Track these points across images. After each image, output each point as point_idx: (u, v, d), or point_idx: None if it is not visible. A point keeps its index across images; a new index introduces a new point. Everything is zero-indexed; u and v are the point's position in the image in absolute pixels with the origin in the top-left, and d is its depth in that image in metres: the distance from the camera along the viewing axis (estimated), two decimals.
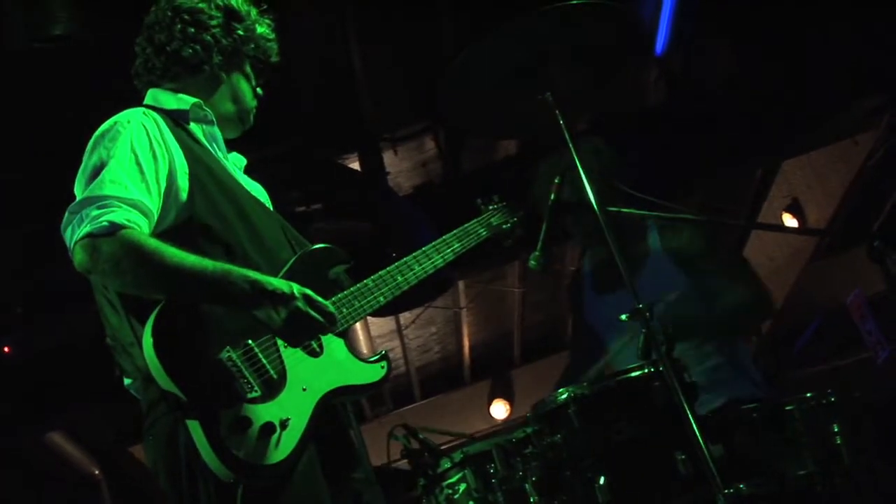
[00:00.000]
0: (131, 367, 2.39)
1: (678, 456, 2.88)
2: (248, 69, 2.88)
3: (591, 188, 3.06)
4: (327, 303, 2.46)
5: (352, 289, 2.68)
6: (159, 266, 2.29)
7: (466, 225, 3.18)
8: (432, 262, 2.92)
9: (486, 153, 7.18)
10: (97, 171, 2.40)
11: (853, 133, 7.20)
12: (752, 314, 4.00)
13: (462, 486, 3.97)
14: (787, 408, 3.15)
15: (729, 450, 2.97)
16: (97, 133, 2.52)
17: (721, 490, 2.65)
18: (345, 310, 2.61)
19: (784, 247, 8.88)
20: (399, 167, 7.01)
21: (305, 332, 2.41)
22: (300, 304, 2.37)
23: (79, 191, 2.43)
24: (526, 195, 3.83)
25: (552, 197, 3.34)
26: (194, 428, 2.20)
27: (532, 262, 3.36)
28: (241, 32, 2.84)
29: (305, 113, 5.88)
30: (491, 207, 3.34)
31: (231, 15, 2.83)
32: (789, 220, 8.44)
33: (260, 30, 2.89)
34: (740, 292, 3.77)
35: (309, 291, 2.42)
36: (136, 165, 2.42)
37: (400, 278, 2.80)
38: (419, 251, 2.92)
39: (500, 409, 11.28)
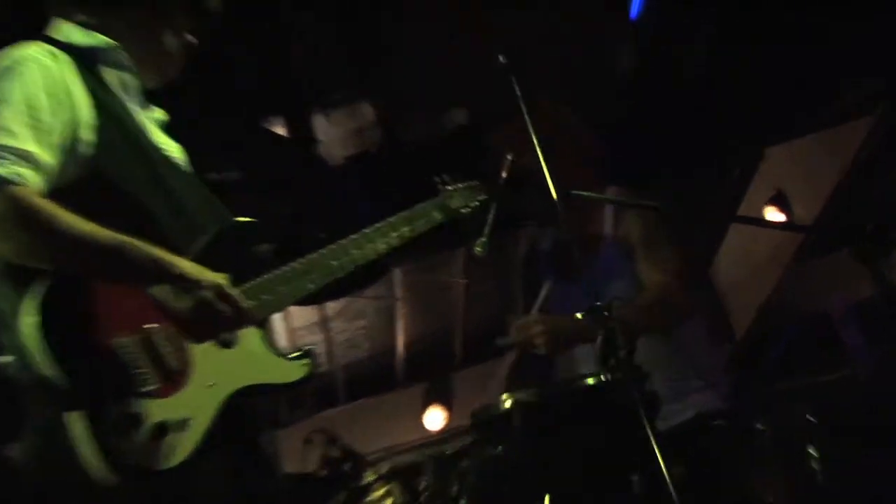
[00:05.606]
0: (10, 342, 2.33)
1: (634, 475, 2.90)
2: (176, 12, 2.79)
3: (548, 166, 3.04)
4: (241, 296, 2.41)
5: (277, 272, 2.64)
6: (48, 231, 2.22)
7: (419, 206, 3.12)
8: (374, 247, 2.87)
9: (432, 121, 7.16)
10: None
11: (845, 121, 7.30)
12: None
13: (388, 501, 3.98)
14: (758, 426, 3.18)
15: (691, 470, 2.99)
16: None
17: None
18: (266, 296, 2.57)
19: (764, 243, 8.97)
20: (331, 135, 6.97)
21: (210, 328, 2.37)
22: (209, 294, 2.33)
23: None
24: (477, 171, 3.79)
25: (503, 175, 3.32)
26: (75, 422, 2.14)
27: (478, 248, 3.33)
28: None
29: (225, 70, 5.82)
30: (450, 188, 3.27)
31: None
32: (773, 214, 8.50)
33: None
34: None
35: (223, 281, 2.37)
36: (30, 111, 2.34)
37: (335, 263, 2.75)
38: (359, 233, 2.86)
39: (436, 417, 11.21)
